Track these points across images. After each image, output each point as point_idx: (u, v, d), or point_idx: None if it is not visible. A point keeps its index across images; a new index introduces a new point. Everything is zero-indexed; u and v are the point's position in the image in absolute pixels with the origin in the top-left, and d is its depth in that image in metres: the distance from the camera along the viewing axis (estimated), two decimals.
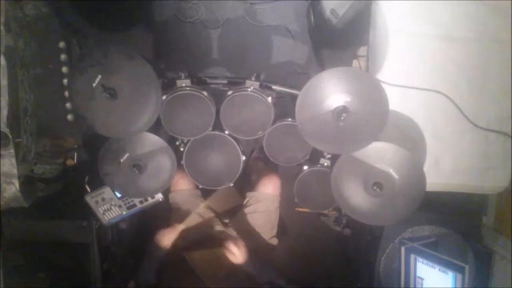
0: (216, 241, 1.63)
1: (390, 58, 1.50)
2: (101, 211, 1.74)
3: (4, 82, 1.46)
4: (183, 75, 1.49)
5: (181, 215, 1.73)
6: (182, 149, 1.60)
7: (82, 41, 1.91)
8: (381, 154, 1.39)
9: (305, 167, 1.61)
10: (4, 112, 1.45)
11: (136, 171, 1.48)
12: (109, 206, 1.74)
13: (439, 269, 1.71)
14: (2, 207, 1.58)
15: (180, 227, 1.59)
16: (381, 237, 1.91)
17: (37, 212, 1.76)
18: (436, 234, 1.83)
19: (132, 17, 2.20)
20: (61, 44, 1.70)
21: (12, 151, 1.49)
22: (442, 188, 1.60)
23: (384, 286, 1.92)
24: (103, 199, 1.72)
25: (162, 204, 1.77)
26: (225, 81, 1.68)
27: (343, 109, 1.29)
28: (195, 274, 1.45)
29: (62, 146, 1.81)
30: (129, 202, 1.74)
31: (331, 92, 1.30)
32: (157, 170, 1.53)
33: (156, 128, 1.52)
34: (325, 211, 2.17)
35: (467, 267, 1.62)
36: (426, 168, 1.53)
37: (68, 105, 1.69)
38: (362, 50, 1.88)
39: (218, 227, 1.74)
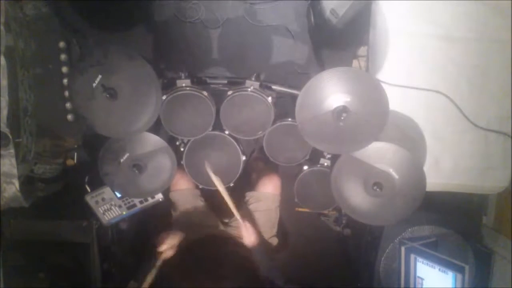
0: (216, 241, 1.63)
1: (390, 58, 1.50)
2: (101, 211, 1.74)
3: (4, 82, 1.46)
4: (183, 75, 1.49)
5: (181, 215, 1.73)
6: (182, 149, 1.60)
7: (82, 41, 1.91)
8: (381, 154, 1.39)
9: (305, 167, 1.61)
10: (4, 112, 1.45)
11: (136, 171, 1.48)
12: (109, 206, 1.74)
13: (439, 269, 1.71)
14: (2, 207, 1.58)
15: (180, 235, 1.56)
16: (381, 237, 1.91)
17: (37, 212, 1.76)
18: (436, 234, 1.83)
19: (132, 17, 2.20)
20: (61, 44, 1.69)
21: (12, 151, 1.48)
22: (442, 188, 1.60)
23: (384, 286, 1.92)
24: (103, 199, 1.72)
25: (162, 204, 1.77)
26: (225, 81, 1.68)
27: (343, 109, 1.29)
28: (195, 274, 1.44)
29: (62, 146, 1.81)
30: (129, 202, 1.74)
31: (331, 92, 1.30)
32: (157, 170, 1.53)
33: (156, 128, 1.52)
34: (325, 211, 2.17)
35: (467, 267, 1.62)
36: (426, 168, 1.53)
37: (68, 105, 1.69)
38: (362, 50, 1.88)
39: (218, 227, 1.74)
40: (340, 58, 2.15)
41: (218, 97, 1.53)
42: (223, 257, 1.50)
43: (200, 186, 1.67)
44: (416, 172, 1.40)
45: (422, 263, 1.77)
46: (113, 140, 1.48)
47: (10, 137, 1.46)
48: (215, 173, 1.54)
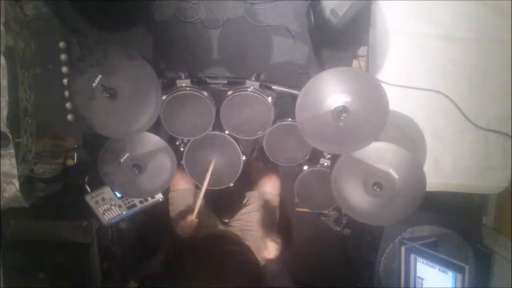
0: (216, 240, 1.63)
1: (390, 58, 1.50)
2: (101, 211, 1.74)
3: (4, 82, 1.46)
4: (183, 75, 1.49)
5: (181, 215, 1.73)
6: (182, 149, 1.60)
7: (82, 41, 1.91)
8: (381, 154, 1.39)
9: (305, 167, 1.61)
10: (4, 112, 1.45)
11: (136, 171, 1.48)
12: (109, 206, 1.74)
13: (439, 269, 1.71)
14: (2, 207, 1.58)
15: (194, 219, 1.59)
16: (381, 237, 1.91)
17: (37, 212, 1.77)
18: (436, 234, 1.83)
19: (132, 17, 2.20)
20: (61, 44, 1.69)
21: (12, 151, 1.48)
22: (442, 188, 1.60)
23: (384, 286, 1.93)
24: (103, 199, 1.72)
25: (162, 204, 1.77)
26: (225, 81, 1.68)
27: (343, 109, 1.28)
28: (195, 274, 1.44)
29: (62, 146, 1.81)
30: (129, 202, 1.74)
31: (331, 92, 1.30)
32: (157, 170, 1.53)
33: (156, 128, 1.52)
34: (325, 211, 2.17)
35: (467, 267, 1.63)
36: (426, 168, 1.53)
37: (68, 105, 1.69)
38: (362, 50, 1.88)
39: (218, 226, 1.74)
40: (340, 58, 2.15)
41: (218, 97, 1.53)
42: (224, 257, 1.50)
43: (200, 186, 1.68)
44: (416, 172, 1.40)
45: (422, 263, 1.77)
46: (113, 140, 1.48)
47: (10, 137, 1.46)
48: (216, 173, 1.54)
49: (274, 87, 1.62)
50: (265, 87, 1.58)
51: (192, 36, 2.23)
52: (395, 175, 1.39)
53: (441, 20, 1.49)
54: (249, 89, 1.49)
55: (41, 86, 1.65)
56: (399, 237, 1.86)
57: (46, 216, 1.80)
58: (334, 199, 1.48)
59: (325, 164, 1.60)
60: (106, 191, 1.72)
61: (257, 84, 1.51)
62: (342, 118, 1.29)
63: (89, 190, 1.76)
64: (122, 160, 1.48)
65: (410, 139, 1.54)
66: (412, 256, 1.80)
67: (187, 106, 1.48)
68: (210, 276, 1.41)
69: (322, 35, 2.13)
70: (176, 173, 1.56)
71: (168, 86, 1.51)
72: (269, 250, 1.53)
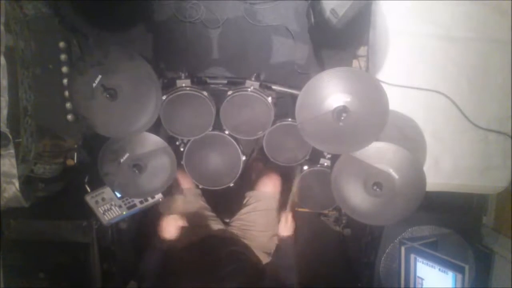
0: (217, 241, 1.63)
1: (390, 58, 1.50)
2: (101, 211, 1.74)
3: (4, 82, 1.46)
4: (183, 75, 1.49)
5: (181, 215, 1.73)
6: (182, 149, 1.60)
7: (82, 41, 1.91)
8: (381, 154, 1.39)
9: (305, 167, 1.61)
10: (4, 112, 1.45)
11: (136, 171, 1.48)
12: (109, 206, 1.74)
13: (439, 269, 1.71)
14: (2, 207, 1.58)
15: (181, 217, 1.57)
16: (381, 237, 1.91)
17: (37, 212, 1.77)
18: (436, 234, 1.83)
19: (132, 17, 2.20)
20: (61, 44, 1.70)
21: (12, 151, 1.49)
22: (442, 188, 1.60)
23: (384, 286, 1.92)
24: (103, 199, 1.72)
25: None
26: (225, 81, 1.68)
27: (343, 109, 1.28)
28: (196, 274, 1.44)
29: (62, 146, 1.81)
30: (129, 202, 1.74)
31: (331, 92, 1.30)
32: (157, 170, 1.52)
33: (156, 128, 1.52)
34: (325, 211, 2.17)
35: (467, 267, 1.62)
36: (426, 168, 1.53)
37: (68, 105, 1.69)
38: (362, 50, 1.88)
39: (218, 226, 1.74)
40: (340, 58, 2.14)
41: (218, 97, 1.53)
42: (224, 257, 1.50)
43: (200, 186, 1.67)
44: (416, 172, 1.40)
45: (422, 263, 1.77)
46: (113, 140, 1.47)
47: (10, 137, 1.47)
48: (215, 173, 1.54)
49: (274, 87, 1.62)
50: (265, 87, 1.58)
51: (192, 36, 2.23)
52: (395, 175, 1.39)
53: (441, 20, 1.49)
54: (249, 89, 1.49)
55: (41, 86, 1.65)
56: (399, 237, 1.86)
57: (46, 216, 1.79)
58: (334, 199, 1.48)
59: (325, 164, 1.60)
60: (106, 191, 1.72)
61: (257, 84, 1.51)
62: (342, 118, 1.29)
63: (89, 190, 1.75)
64: (122, 160, 1.48)
65: (410, 139, 1.54)
66: (412, 256, 1.80)
67: (187, 106, 1.48)
68: (210, 276, 1.41)
69: (322, 35, 2.13)
70: (176, 173, 1.56)
71: (168, 86, 1.51)
72: (288, 224, 1.57)
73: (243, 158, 1.60)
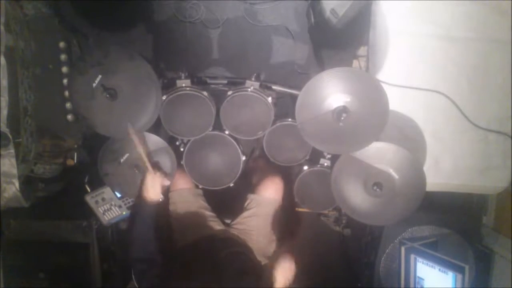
0: (217, 241, 1.63)
1: (390, 58, 1.50)
2: (101, 211, 1.74)
3: (4, 82, 1.46)
4: (183, 75, 1.49)
5: (181, 215, 1.73)
6: (182, 149, 1.60)
7: (82, 41, 1.91)
8: (381, 154, 1.39)
9: (305, 167, 1.61)
10: (4, 112, 1.45)
11: (136, 171, 1.48)
12: (109, 206, 1.74)
13: (439, 269, 1.71)
14: (2, 207, 1.58)
15: (166, 176, 1.44)
16: (381, 237, 1.91)
17: (37, 212, 1.77)
18: (436, 234, 1.83)
19: (132, 17, 2.20)
20: (61, 44, 1.70)
21: (12, 151, 1.49)
22: (442, 188, 1.60)
23: (384, 286, 1.92)
24: (103, 199, 1.72)
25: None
26: (225, 81, 1.68)
27: (343, 109, 1.29)
28: (195, 274, 1.44)
29: (62, 146, 1.81)
30: (129, 202, 1.74)
31: (331, 92, 1.30)
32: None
33: (156, 128, 1.52)
34: (325, 211, 2.17)
35: (467, 267, 1.62)
36: (426, 168, 1.53)
37: (68, 105, 1.69)
38: (362, 50, 1.88)
39: (219, 226, 1.73)
40: (340, 58, 2.14)
41: (218, 97, 1.53)
42: (224, 258, 1.50)
43: (200, 186, 1.67)
44: (416, 172, 1.40)
45: (422, 263, 1.77)
46: (113, 140, 1.47)
47: (10, 137, 1.47)
48: (215, 173, 1.53)
49: (274, 87, 1.62)
50: (265, 87, 1.58)
51: (192, 36, 2.23)
52: (395, 175, 1.39)
53: (441, 20, 1.49)
54: (249, 89, 1.49)
55: (41, 86, 1.65)
56: (399, 237, 1.86)
57: (46, 216, 1.79)
58: (334, 199, 1.48)
59: (325, 164, 1.60)
60: (106, 191, 1.72)
61: (257, 84, 1.51)
62: (342, 118, 1.29)
63: (89, 190, 1.76)
64: (122, 160, 1.48)
65: (410, 139, 1.54)
66: (412, 256, 1.80)
67: (187, 106, 1.48)
68: (211, 276, 1.41)
69: (322, 35, 2.13)
70: (176, 173, 1.55)
71: (168, 86, 1.51)
72: (278, 282, 1.37)
73: (243, 158, 1.60)
